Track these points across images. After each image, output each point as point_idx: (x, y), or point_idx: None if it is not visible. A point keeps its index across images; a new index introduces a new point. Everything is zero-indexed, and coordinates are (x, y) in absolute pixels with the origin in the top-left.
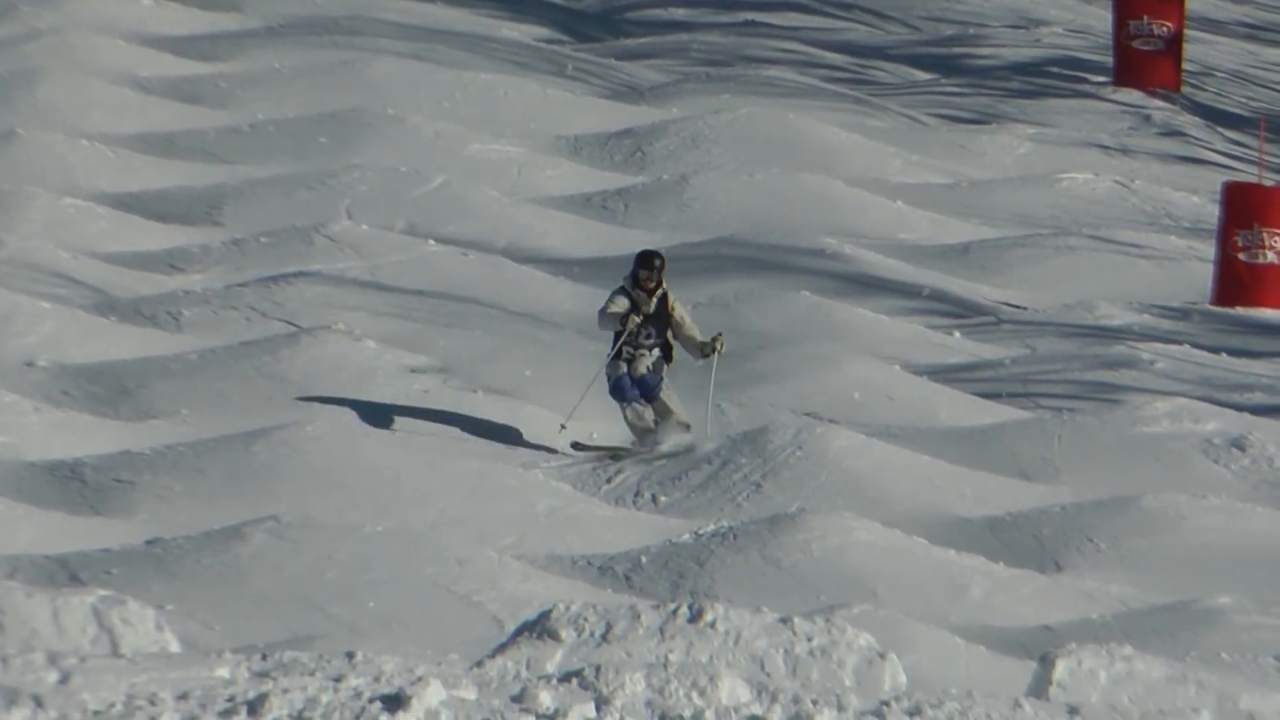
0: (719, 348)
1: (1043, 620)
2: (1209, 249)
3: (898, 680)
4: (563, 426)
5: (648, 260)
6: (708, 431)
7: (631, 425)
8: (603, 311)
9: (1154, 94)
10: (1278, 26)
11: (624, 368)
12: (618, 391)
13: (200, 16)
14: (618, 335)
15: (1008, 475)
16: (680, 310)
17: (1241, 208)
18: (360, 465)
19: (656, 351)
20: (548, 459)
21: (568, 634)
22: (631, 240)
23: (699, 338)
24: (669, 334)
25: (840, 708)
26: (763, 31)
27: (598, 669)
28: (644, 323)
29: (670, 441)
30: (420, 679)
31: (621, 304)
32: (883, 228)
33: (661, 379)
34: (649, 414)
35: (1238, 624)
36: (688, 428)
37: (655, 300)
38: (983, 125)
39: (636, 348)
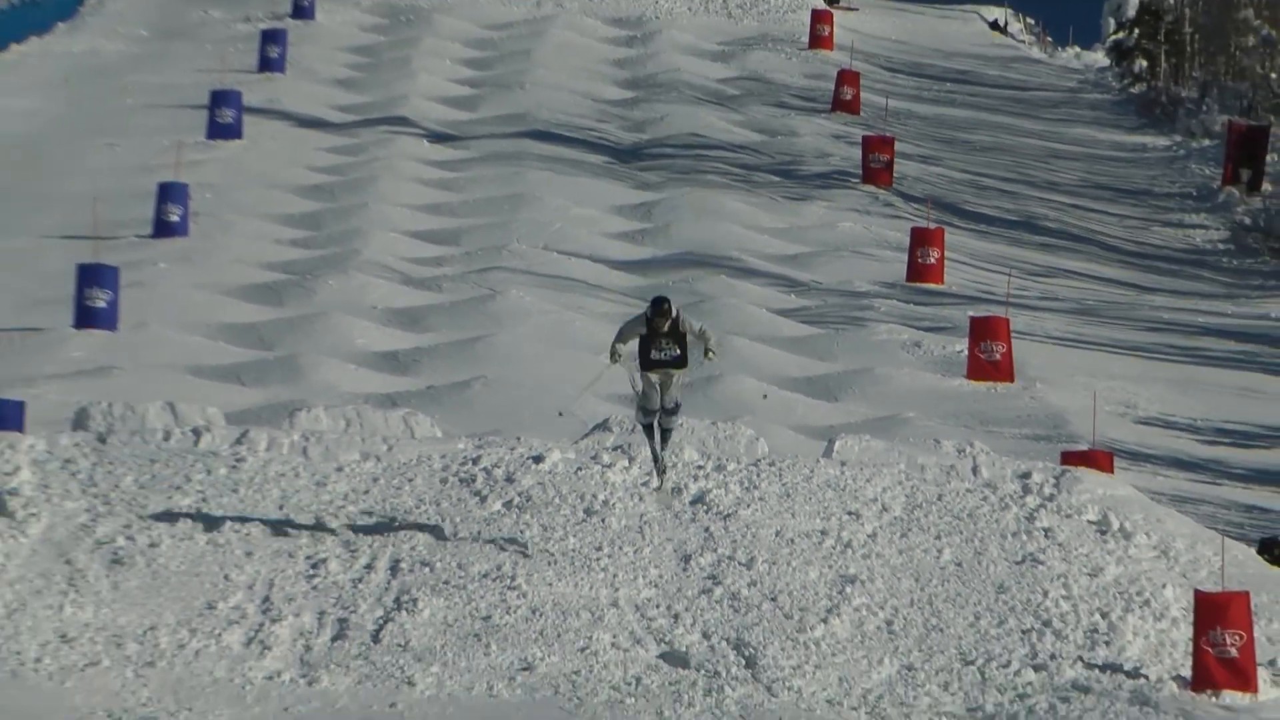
0: (709, 356)
1: (829, 423)
2: (904, 256)
3: (764, 450)
4: (560, 414)
5: (660, 309)
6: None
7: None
8: (626, 321)
9: (880, 187)
10: (938, 155)
11: (650, 395)
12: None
13: (448, 151)
14: (614, 345)
15: (813, 358)
16: (688, 322)
17: (919, 239)
18: (523, 354)
19: (678, 376)
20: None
21: (616, 429)
22: (645, 251)
23: (703, 334)
24: (684, 340)
25: (738, 461)
26: (704, 158)
27: (629, 444)
28: (666, 334)
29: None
30: (550, 448)
31: (636, 325)
32: (758, 247)
33: (678, 404)
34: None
35: (918, 425)
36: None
37: (669, 322)
38: (804, 201)
39: (661, 364)
